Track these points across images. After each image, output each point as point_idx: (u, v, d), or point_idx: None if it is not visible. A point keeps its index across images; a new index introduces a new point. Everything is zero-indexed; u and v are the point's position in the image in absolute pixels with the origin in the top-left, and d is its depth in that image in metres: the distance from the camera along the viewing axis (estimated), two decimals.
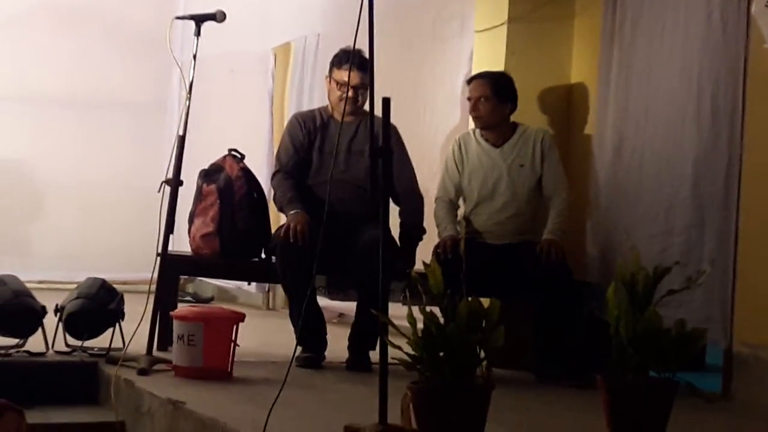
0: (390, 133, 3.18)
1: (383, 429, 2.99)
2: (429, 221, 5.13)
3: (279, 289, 7.37)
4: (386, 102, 3.18)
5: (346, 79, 4.79)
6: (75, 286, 5.03)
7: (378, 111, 3.24)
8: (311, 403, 3.96)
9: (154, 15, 8.19)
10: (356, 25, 3.20)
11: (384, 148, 3.16)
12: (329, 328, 5.02)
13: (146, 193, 7.88)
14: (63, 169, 8.04)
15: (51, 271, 7.30)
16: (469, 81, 5.20)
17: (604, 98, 5.19)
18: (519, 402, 4.21)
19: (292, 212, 4.83)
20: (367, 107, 3.72)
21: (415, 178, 5.12)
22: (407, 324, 3.08)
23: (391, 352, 3.05)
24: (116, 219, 8.10)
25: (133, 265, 7.26)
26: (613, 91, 5.13)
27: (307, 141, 5.02)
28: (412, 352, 3.01)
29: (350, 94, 4.83)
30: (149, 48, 8.28)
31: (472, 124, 5.24)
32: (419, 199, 5.09)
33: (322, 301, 5.35)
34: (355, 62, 4.57)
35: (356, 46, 3.73)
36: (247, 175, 5.23)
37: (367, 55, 3.15)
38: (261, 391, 4.02)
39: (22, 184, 7.98)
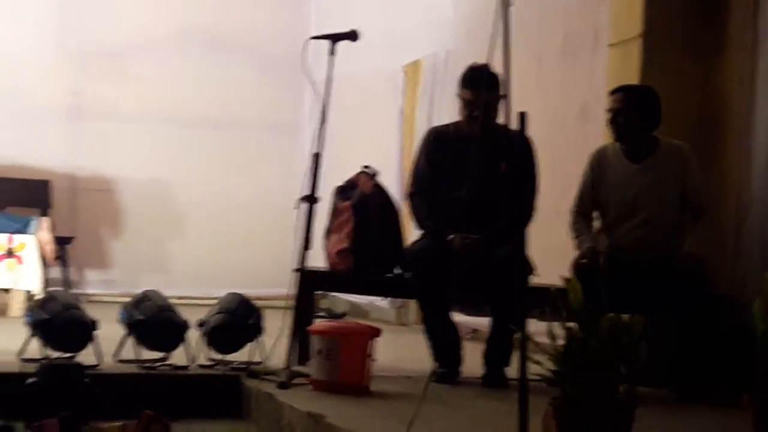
0: (528, 147, 3.17)
1: None
2: (562, 236, 5.08)
3: (411, 305, 7.41)
4: (522, 116, 3.17)
5: (470, 98, 4.79)
6: (215, 301, 5.16)
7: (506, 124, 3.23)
8: (449, 419, 3.97)
9: (288, 37, 8.38)
10: (488, 40, 3.20)
11: (520, 164, 3.16)
12: (463, 344, 5.02)
13: (282, 210, 8.09)
14: (202, 188, 8.28)
15: (190, 287, 7.49)
16: (612, 93, 5.10)
17: (751, 106, 5.05)
18: (662, 420, 4.12)
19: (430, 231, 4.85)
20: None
21: (537, 191, 4.99)
22: (544, 340, 3.07)
23: (531, 368, 3.04)
24: (253, 236, 8.30)
25: (269, 281, 7.44)
26: (763, 98, 4.97)
27: (441, 155, 4.99)
28: (553, 368, 2.99)
29: (476, 113, 4.80)
30: (283, 69, 8.49)
31: (610, 138, 5.15)
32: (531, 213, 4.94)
33: (456, 317, 5.36)
34: (483, 80, 4.57)
35: (486, 62, 3.72)
36: (381, 191, 5.28)
37: (494, 71, 3.14)
38: (398, 405, 4.05)
39: (165, 204, 8.26)
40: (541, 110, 5.94)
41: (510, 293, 4.19)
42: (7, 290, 6.78)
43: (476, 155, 4.68)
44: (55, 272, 7.41)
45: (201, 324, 4.90)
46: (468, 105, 4.87)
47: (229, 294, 5.08)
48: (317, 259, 5.55)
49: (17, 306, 6.66)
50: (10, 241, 6.62)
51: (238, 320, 4.90)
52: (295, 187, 8.05)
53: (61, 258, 7.43)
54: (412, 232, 5.39)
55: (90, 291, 7.77)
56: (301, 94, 8.48)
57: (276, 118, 8.62)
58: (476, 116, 4.77)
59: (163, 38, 8.22)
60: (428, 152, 5.03)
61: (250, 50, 8.48)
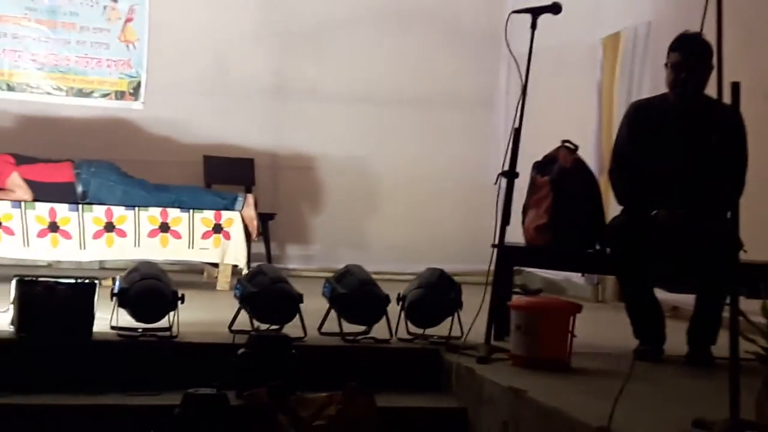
0: (739, 120, 3.05)
1: (736, 424, 2.89)
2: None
3: (609, 281, 7.30)
4: (735, 87, 3.06)
5: (678, 60, 4.65)
6: (411, 277, 5.22)
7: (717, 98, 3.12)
8: (653, 397, 3.90)
9: (483, 11, 8.38)
10: (690, 12, 3.08)
11: (731, 138, 3.05)
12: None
13: (478, 185, 8.16)
14: (398, 164, 8.38)
15: (387, 262, 7.59)
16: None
17: None
18: None
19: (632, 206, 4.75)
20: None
21: (746, 166, 4.78)
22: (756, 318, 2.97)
23: (743, 345, 2.95)
24: (448, 212, 8.36)
25: (465, 257, 7.48)
26: None
27: (644, 130, 4.88)
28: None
29: (683, 76, 4.67)
30: (478, 44, 8.49)
31: None
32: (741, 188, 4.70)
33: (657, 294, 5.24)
34: (694, 43, 4.43)
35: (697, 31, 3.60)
36: (581, 166, 5.22)
37: (706, 40, 3.03)
38: (600, 382, 4.01)
39: (362, 180, 8.40)
40: (752, 82, 5.70)
41: (718, 269, 4.08)
42: (215, 264, 7.05)
43: (683, 127, 4.55)
44: (258, 247, 7.66)
45: (401, 298, 4.97)
46: (675, 68, 4.72)
47: (429, 269, 5.13)
48: (514, 235, 5.55)
49: (224, 280, 6.92)
50: (218, 217, 6.88)
51: (437, 295, 4.95)
52: (489, 162, 8.17)
53: (264, 234, 7.68)
54: (612, 208, 5.30)
55: (290, 266, 7.98)
56: (497, 68, 8.46)
57: (471, 93, 8.62)
58: (683, 79, 4.64)
59: (362, 16, 8.35)
60: (631, 126, 4.92)
61: (445, 25, 8.50)
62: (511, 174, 4.71)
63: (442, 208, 8.39)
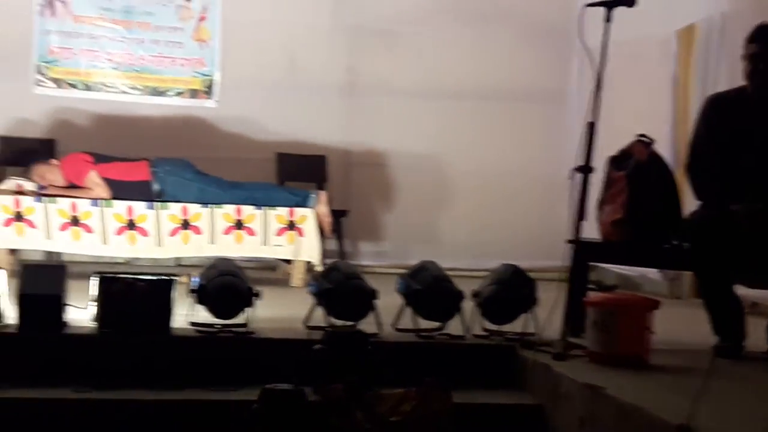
0: None
1: None
2: None
3: (686, 277, 7.20)
4: None
5: (756, 51, 4.58)
6: (485, 273, 5.20)
7: None
8: (734, 394, 3.84)
9: (555, 5, 8.31)
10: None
11: None
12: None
13: (551, 180, 8.08)
14: (470, 160, 8.36)
15: (460, 259, 7.57)
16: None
17: None
18: None
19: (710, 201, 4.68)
20: None
21: None
22: None
23: None
24: (522, 207, 8.31)
25: (539, 253, 7.43)
26: None
27: (722, 123, 4.81)
28: None
29: (761, 67, 4.59)
30: (550, 38, 8.43)
31: None
32: None
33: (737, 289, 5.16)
34: (766, 34, 4.35)
35: None
36: (657, 159, 5.15)
37: None
38: (679, 379, 3.97)
39: (434, 177, 8.39)
40: None
41: None
42: (288, 261, 7.10)
43: (761, 120, 4.47)
44: (331, 244, 7.69)
45: (475, 294, 4.96)
46: (753, 59, 4.65)
47: (503, 265, 5.12)
48: (589, 231, 5.50)
49: (298, 276, 6.96)
50: (292, 214, 6.93)
51: (511, 291, 4.93)
52: (562, 157, 8.08)
53: (337, 230, 7.71)
54: (689, 202, 5.23)
55: (363, 262, 8.01)
56: (568, 62, 8.39)
57: (542, 87, 8.56)
58: (762, 70, 4.56)
59: (433, 11, 8.33)
60: (707, 120, 4.86)
61: (517, 20, 8.45)
62: (586, 169, 4.67)
63: (515, 204, 8.35)
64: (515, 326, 4.93)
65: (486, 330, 4.94)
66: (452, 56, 8.40)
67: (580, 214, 4.65)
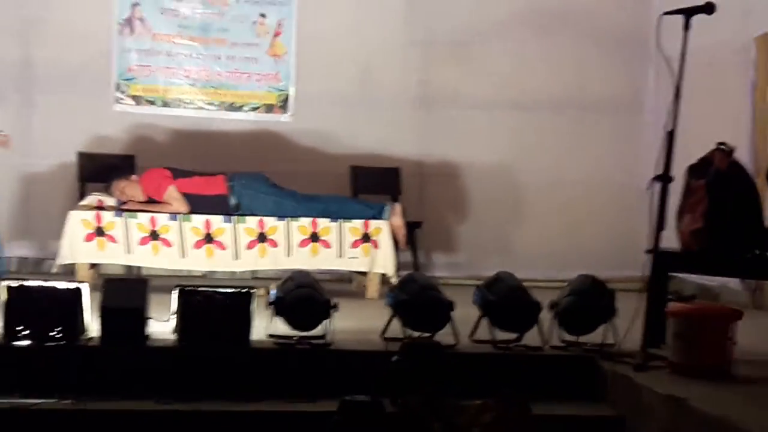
0: None
1: None
2: None
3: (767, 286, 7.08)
4: None
5: None
6: (560, 284, 5.17)
7: None
8: None
9: (629, 13, 8.24)
10: None
11: None
12: None
13: (627, 190, 8.02)
14: (544, 171, 8.31)
15: (534, 270, 7.51)
16: None
17: None
18: None
19: None
20: None
21: None
22: None
23: None
24: (598, 217, 8.24)
25: (617, 263, 7.36)
26: None
27: None
28: None
29: None
30: (624, 46, 8.36)
31: None
32: None
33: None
34: None
35: None
36: (738, 168, 5.08)
37: None
38: (764, 390, 3.89)
39: (508, 187, 8.35)
40: None
41: None
42: (363, 273, 7.12)
43: None
44: (405, 256, 7.69)
45: (553, 305, 4.93)
46: None
47: (581, 276, 5.08)
48: (669, 240, 5.43)
49: (373, 288, 6.97)
50: (366, 226, 6.95)
51: (589, 302, 4.90)
52: (638, 166, 8.01)
53: (411, 242, 7.71)
54: None
55: (437, 274, 7.98)
56: (644, 71, 8.31)
57: (618, 96, 8.48)
58: None
59: (506, 22, 8.30)
60: None
61: (591, 29, 8.39)
62: (665, 178, 4.62)
63: (591, 214, 8.28)
64: (594, 337, 4.89)
65: (564, 341, 4.91)
66: (525, 67, 8.37)
67: (660, 224, 4.60)
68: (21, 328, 4.60)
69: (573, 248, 8.06)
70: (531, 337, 4.90)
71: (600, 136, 8.45)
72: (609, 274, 6.59)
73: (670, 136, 4.65)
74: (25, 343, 4.58)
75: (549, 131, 8.40)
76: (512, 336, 4.92)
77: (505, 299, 4.88)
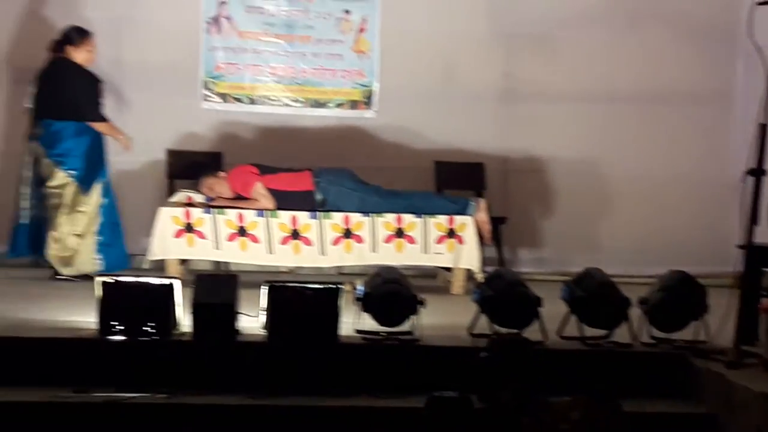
0: None
1: None
2: None
3: None
4: None
5: None
6: (648, 280, 5.11)
7: None
8: None
9: (716, 5, 8.10)
10: None
11: None
12: None
13: (717, 184, 7.90)
14: (631, 165, 8.20)
15: (621, 265, 7.42)
16: None
17: None
18: None
19: None
20: None
21: None
22: None
23: None
24: (687, 212, 8.11)
25: (708, 258, 7.24)
26: None
27: None
28: None
29: None
30: (711, 38, 8.21)
31: None
32: None
33: None
34: None
35: None
36: None
37: None
38: None
39: (594, 182, 8.26)
40: None
41: None
42: (448, 269, 7.12)
43: None
44: (489, 252, 7.67)
45: (643, 302, 4.88)
46: None
47: (671, 271, 5.02)
48: (762, 235, 5.33)
49: (459, 284, 6.96)
50: (451, 222, 6.94)
51: (680, 298, 4.83)
52: (727, 160, 7.87)
53: (496, 238, 7.68)
54: None
55: (522, 269, 7.95)
56: (732, 63, 8.16)
57: (705, 89, 8.33)
58: None
59: (590, 15, 8.21)
60: None
61: (677, 21, 8.25)
62: (758, 172, 4.54)
63: (679, 208, 8.15)
64: (684, 334, 4.83)
65: (654, 338, 4.85)
66: (610, 59, 8.27)
67: (753, 218, 4.52)
68: (115, 323, 4.70)
69: (661, 243, 7.95)
70: (620, 334, 4.85)
71: (688, 129, 8.32)
72: (699, 270, 6.47)
73: (763, 129, 4.56)
74: (119, 337, 4.69)
75: (635, 124, 8.29)
76: (601, 333, 4.88)
77: (594, 295, 4.84)
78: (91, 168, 6.93)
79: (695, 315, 4.77)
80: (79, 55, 6.98)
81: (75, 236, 6.86)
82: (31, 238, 6.98)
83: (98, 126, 6.98)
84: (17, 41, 7.86)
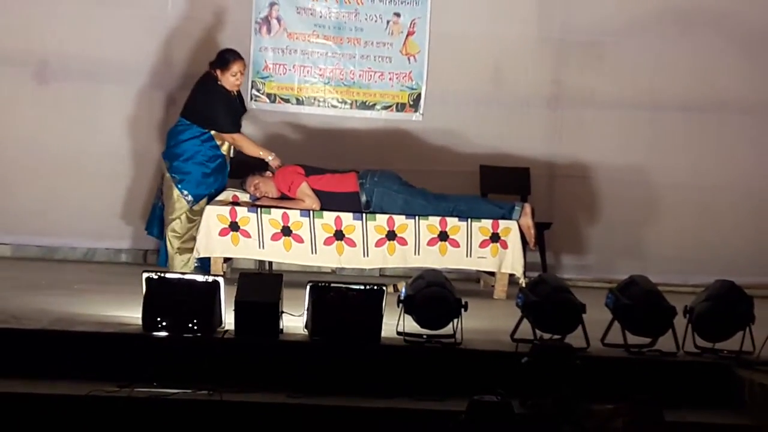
0: None
1: None
2: None
3: None
4: None
5: None
6: (694, 289, 5.06)
7: None
8: None
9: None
10: None
11: None
12: None
13: (764, 195, 7.79)
14: (678, 173, 8.13)
15: (667, 273, 7.37)
16: None
17: None
18: None
19: None
20: None
21: None
22: None
23: None
24: (735, 221, 8.03)
25: (757, 269, 7.17)
26: None
27: None
28: None
29: None
30: (762, 46, 8.11)
31: None
32: None
33: None
34: None
35: None
36: None
37: None
38: None
39: (640, 189, 8.18)
40: None
41: None
42: (491, 273, 7.09)
43: None
44: (533, 257, 7.63)
45: (689, 311, 4.83)
46: None
47: (718, 281, 4.97)
48: None
49: (502, 289, 6.94)
50: (496, 226, 6.92)
51: (727, 308, 4.78)
52: None
53: (540, 243, 7.64)
54: None
55: (565, 276, 7.91)
56: None
57: (755, 98, 8.22)
58: None
59: (641, 21, 8.14)
60: None
61: (730, 28, 8.16)
62: None
63: (727, 218, 8.06)
64: (730, 344, 4.77)
65: (699, 347, 4.80)
66: (660, 66, 8.20)
67: None
68: (159, 319, 4.74)
69: (708, 253, 7.87)
70: (665, 343, 4.81)
71: (738, 138, 8.23)
72: (747, 281, 6.40)
73: None
74: (163, 333, 4.72)
75: (684, 132, 8.21)
76: (645, 341, 4.84)
77: (639, 303, 4.80)
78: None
79: (741, 325, 4.72)
80: (225, 79, 7.17)
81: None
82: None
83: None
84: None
